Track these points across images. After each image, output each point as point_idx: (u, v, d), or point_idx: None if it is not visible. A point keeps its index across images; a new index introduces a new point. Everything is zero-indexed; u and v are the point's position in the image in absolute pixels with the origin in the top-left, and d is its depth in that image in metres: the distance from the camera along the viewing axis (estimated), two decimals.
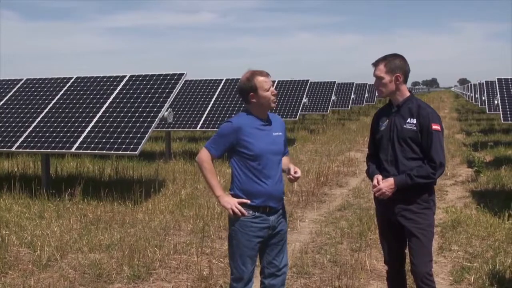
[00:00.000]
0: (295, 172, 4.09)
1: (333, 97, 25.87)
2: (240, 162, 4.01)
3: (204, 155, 4.07)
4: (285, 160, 4.24)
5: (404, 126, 4.09)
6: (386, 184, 4.07)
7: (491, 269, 5.77)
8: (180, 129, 14.82)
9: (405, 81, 4.17)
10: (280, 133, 4.14)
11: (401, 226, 4.15)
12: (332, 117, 32.34)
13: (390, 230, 4.28)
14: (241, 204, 3.98)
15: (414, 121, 4.06)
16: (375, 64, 4.18)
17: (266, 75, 4.04)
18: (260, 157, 3.96)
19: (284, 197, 4.20)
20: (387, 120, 4.21)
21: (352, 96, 30.51)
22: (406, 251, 4.32)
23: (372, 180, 4.21)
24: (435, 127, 4.03)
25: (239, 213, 3.96)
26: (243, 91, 4.04)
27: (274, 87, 20.09)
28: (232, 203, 3.98)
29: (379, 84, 4.17)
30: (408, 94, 4.19)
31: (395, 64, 4.11)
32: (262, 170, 3.97)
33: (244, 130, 3.98)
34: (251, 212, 4.00)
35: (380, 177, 4.13)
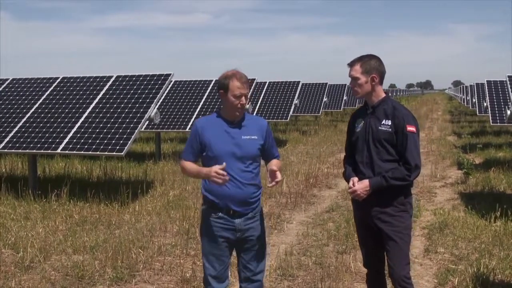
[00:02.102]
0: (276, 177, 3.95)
1: (325, 99, 25.85)
2: (204, 162, 4.02)
3: (181, 164, 4.16)
4: (275, 162, 4.12)
5: (379, 127, 4.05)
6: (361, 186, 4.03)
7: (475, 272, 5.75)
8: (170, 130, 14.77)
9: (381, 82, 4.14)
10: (254, 137, 4.02)
11: (378, 229, 4.12)
12: (324, 118, 32.35)
13: (368, 233, 4.25)
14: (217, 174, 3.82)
15: (389, 122, 4.03)
16: (351, 65, 4.13)
17: (244, 83, 3.94)
18: (220, 159, 3.87)
19: (254, 201, 4.06)
20: (363, 122, 4.18)
21: (345, 97, 30.48)
22: None
23: (348, 182, 4.16)
24: (410, 128, 3.99)
25: (221, 177, 3.79)
26: (218, 87, 4.07)
27: (265, 88, 19.99)
28: (212, 170, 3.81)
29: (354, 84, 4.12)
30: (383, 95, 4.16)
31: (371, 65, 4.07)
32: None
33: (206, 132, 3.98)
34: (215, 211, 4.01)
35: (356, 179, 4.09)
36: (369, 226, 4.18)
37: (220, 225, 4.00)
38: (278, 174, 3.96)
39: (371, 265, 4.36)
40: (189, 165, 4.06)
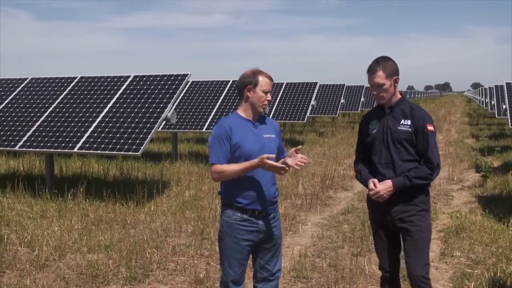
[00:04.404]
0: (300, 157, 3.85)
1: (342, 100, 25.76)
2: (229, 162, 3.90)
3: (216, 170, 3.89)
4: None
5: (399, 127, 4.03)
6: (384, 186, 3.99)
7: (492, 276, 5.67)
8: (187, 130, 14.80)
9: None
10: (273, 136, 4.05)
11: (396, 230, 4.08)
12: (342, 119, 32.27)
13: (385, 234, 4.21)
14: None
15: (409, 122, 4.01)
16: (373, 72, 4.05)
17: (270, 79, 3.99)
18: (249, 158, 3.83)
19: (276, 201, 4.08)
20: (379, 123, 4.14)
21: (362, 99, 30.35)
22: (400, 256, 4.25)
23: (367, 184, 4.12)
24: (430, 128, 4.00)
25: (269, 162, 3.72)
26: (243, 83, 3.97)
27: (283, 89, 19.96)
28: (264, 158, 3.72)
29: (379, 91, 4.05)
30: (399, 96, 4.16)
31: (391, 67, 4.05)
32: (251, 172, 3.88)
33: (234, 132, 3.90)
34: (239, 214, 3.93)
35: (375, 180, 4.06)
36: (386, 227, 4.15)
37: (245, 228, 3.94)
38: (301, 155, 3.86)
39: (386, 268, 4.32)
40: (228, 166, 3.87)
